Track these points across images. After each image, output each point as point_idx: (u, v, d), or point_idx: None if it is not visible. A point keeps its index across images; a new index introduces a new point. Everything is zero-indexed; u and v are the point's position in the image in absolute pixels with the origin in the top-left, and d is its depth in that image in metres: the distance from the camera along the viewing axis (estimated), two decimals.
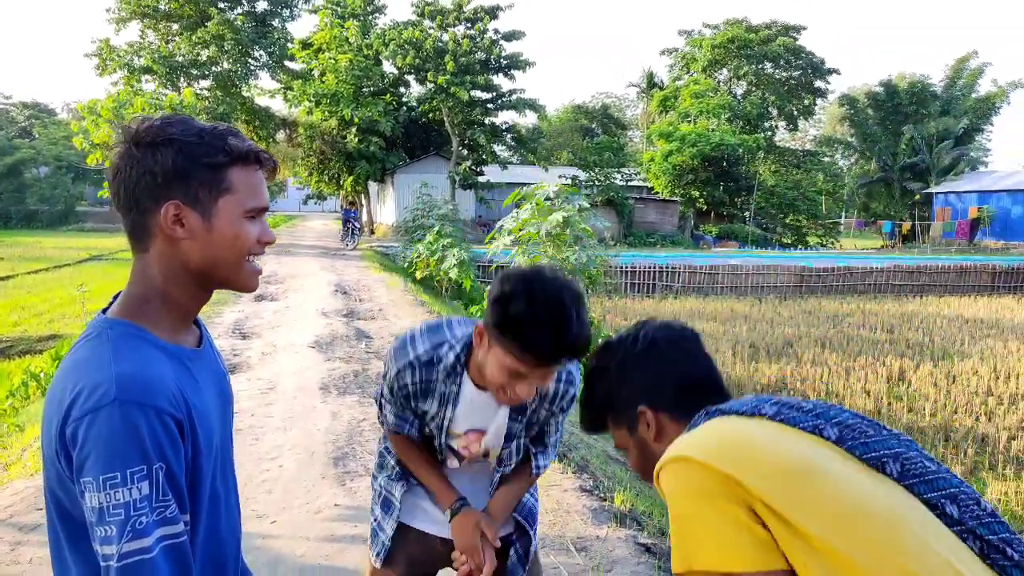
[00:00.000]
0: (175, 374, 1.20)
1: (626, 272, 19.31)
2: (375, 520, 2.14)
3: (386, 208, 35.02)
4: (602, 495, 4.59)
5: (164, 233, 1.22)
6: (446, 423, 1.91)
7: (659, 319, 1.53)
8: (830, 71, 41.95)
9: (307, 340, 9.10)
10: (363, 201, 35.09)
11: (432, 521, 2.08)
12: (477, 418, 1.91)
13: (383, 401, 2.00)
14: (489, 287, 1.73)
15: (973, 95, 41.92)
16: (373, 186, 35.81)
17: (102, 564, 1.09)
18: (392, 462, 2.13)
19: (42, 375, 8.59)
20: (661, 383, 1.41)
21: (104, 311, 1.28)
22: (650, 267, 19.93)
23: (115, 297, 1.31)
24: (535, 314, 1.54)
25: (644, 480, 1.47)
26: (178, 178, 1.20)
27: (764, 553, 1.04)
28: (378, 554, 2.09)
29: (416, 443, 2.05)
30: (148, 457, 1.10)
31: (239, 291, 1.33)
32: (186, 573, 1.14)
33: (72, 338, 10.68)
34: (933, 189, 39.16)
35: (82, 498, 1.10)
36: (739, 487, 1.06)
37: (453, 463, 2.04)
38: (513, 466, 2.04)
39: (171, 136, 1.20)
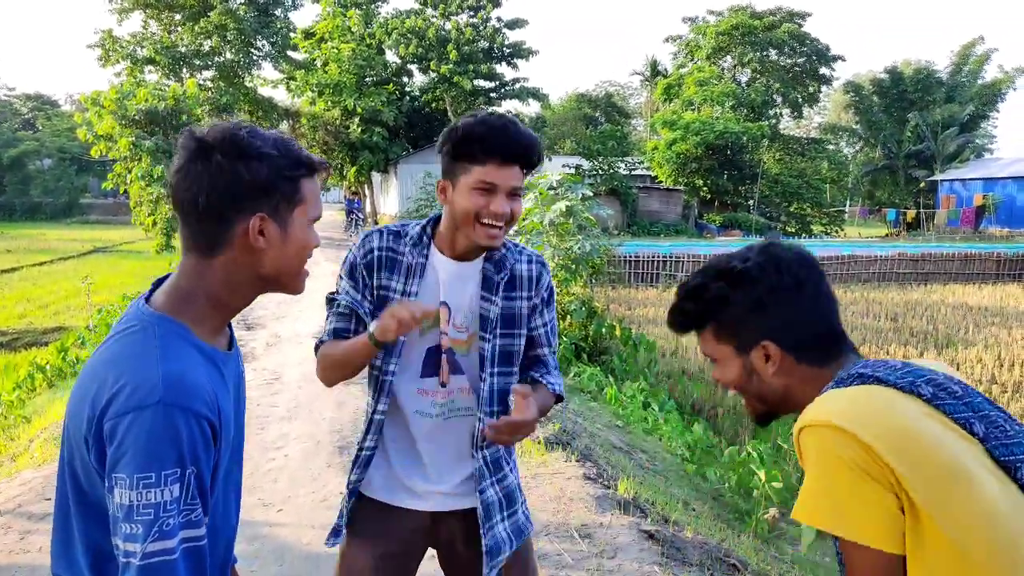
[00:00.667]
0: (210, 377, 1.22)
1: (630, 261, 19.26)
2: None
3: (389, 198, 35.02)
4: (606, 483, 4.61)
5: (245, 243, 1.24)
6: (413, 300, 1.80)
7: (793, 249, 1.41)
8: (835, 58, 41.69)
9: (311, 330, 9.13)
10: (366, 191, 35.11)
11: (408, 493, 1.90)
12: (446, 291, 1.83)
13: (336, 290, 1.90)
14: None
15: (979, 81, 41.66)
16: (376, 176, 35.80)
17: (121, 559, 1.10)
18: (360, 452, 1.95)
19: (48, 367, 8.64)
20: (800, 327, 1.36)
21: (146, 299, 1.28)
22: (654, 256, 19.88)
23: (155, 283, 1.32)
24: (483, 122, 1.71)
25: (725, 389, 1.45)
26: (267, 191, 1.24)
27: (893, 537, 1.10)
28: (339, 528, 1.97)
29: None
30: (183, 460, 1.11)
31: (292, 294, 1.37)
32: (202, 575, 1.17)
33: (77, 330, 10.73)
34: (938, 177, 39.00)
35: (110, 492, 1.11)
36: (892, 475, 1.10)
37: (423, 384, 1.85)
38: (497, 398, 1.87)
39: (260, 150, 1.22)
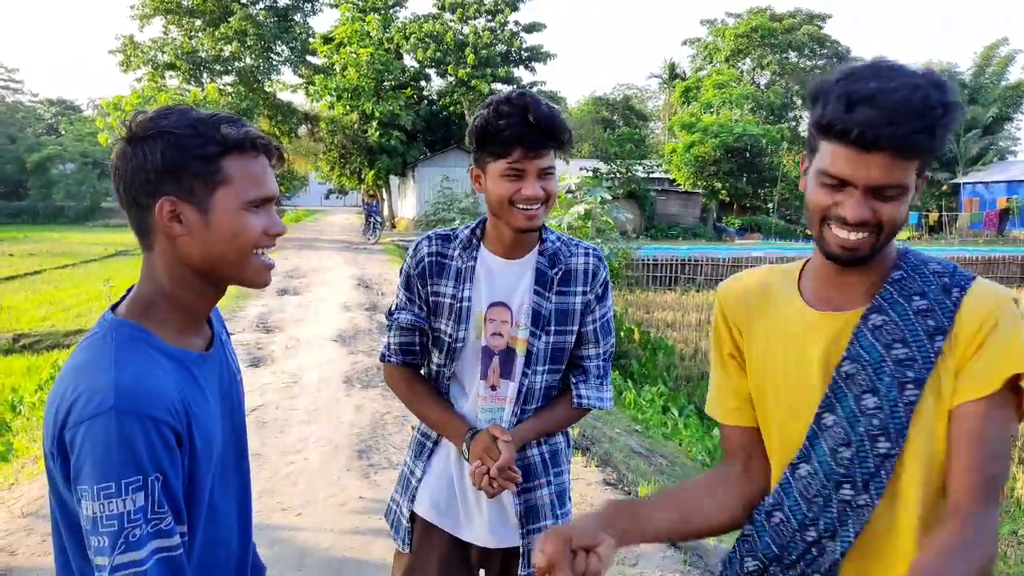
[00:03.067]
0: (177, 381, 1.16)
1: (648, 265, 19.21)
2: (403, 476, 1.99)
3: (407, 202, 35.13)
4: (626, 488, 4.57)
5: (163, 230, 1.18)
6: (465, 304, 1.79)
7: None
8: (855, 60, 41.36)
9: (330, 334, 9.15)
10: (384, 195, 35.22)
11: (460, 523, 1.88)
12: (498, 291, 1.81)
13: (395, 305, 1.89)
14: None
15: (1002, 83, 41.15)
16: (394, 180, 35.93)
17: (96, 573, 1.06)
18: (416, 435, 1.97)
19: None
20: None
21: (114, 307, 1.25)
22: (672, 260, 19.81)
23: (128, 291, 1.28)
24: (500, 109, 1.67)
25: (864, 226, 1.17)
26: (170, 172, 1.15)
27: None
28: (401, 539, 1.94)
29: (420, 376, 1.92)
30: (143, 468, 1.07)
31: (248, 287, 1.28)
32: None
33: None
34: (960, 179, 38.53)
35: (79, 505, 1.08)
36: None
37: (476, 387, 1.84)
38: (542, 394, 1.85)
39: (161, 128, 1.15)
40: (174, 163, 1.15)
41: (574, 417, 1.92)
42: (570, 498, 1.96)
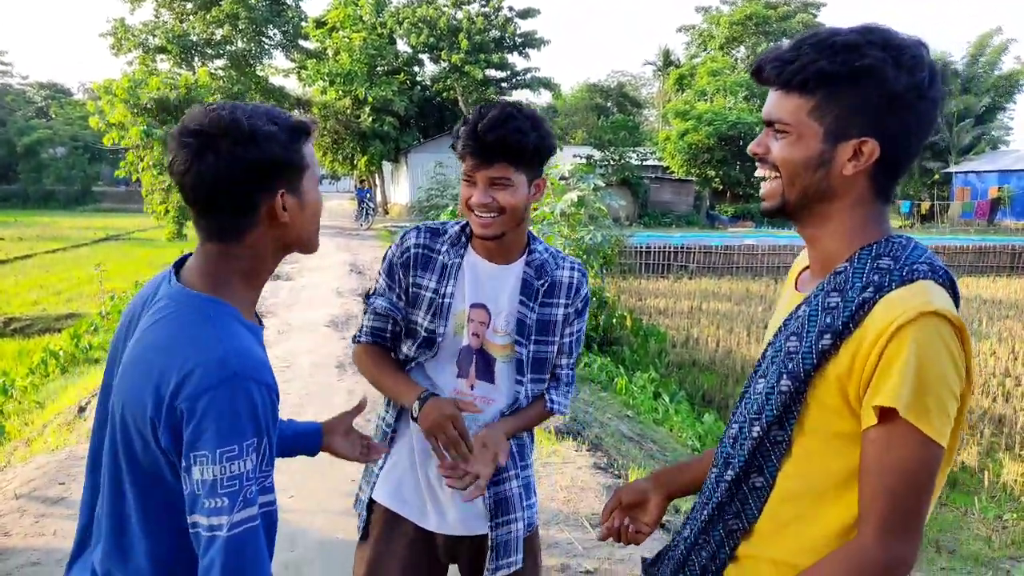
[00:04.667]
0: (261, 351, 1.28)
1: (641, 252, 19.21)
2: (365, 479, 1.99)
3: (400, 188, 35.04)
4: (617, 472, 4.62)
5: (272, 220, 1.28)
6: (446, 300, 1.81)
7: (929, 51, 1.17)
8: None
9: (323, 319, 9.16)
10: (377, 181, 35.12)
11: (426, 512, 1.87)
12: (482, 293, 1.83)
13: (374, 289, 1.91)
14: None
15: (995, 73, 41.19)
16: (387, 166, 35.81)
17: (204, 534, 1.13)
18: (379, 423, 1.97)
19: (61, 353, 8.70)
20: (906, 146, 1.19)
21: (175, 280, 1.29)
22: (665, 247, 19.83)
23: (177, 263, 1.33)
24: (466, 119, 1.76)
25: (756, 158, 1.26)
26: (281, 167, 1.26)
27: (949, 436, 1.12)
28: (361, 528, 1.94)
29: (388, 354, 1.91)
30: (260, 430, 1.17)
31: (311, 253, 1.41)
32: (272, 537, 1.24)
33: (90, 317, 10.80)
34: (953, 168, 38.64)
35: (187, 472, 1.14)
36: (967, 376, 1.13)
37: (452, 383, 1.84)
38: (526, 401, 1.88)
39: (263, 129, 1.23)
40: (282, 159, 1.26)
41: (544, 419, 1.98)
42: (535, 491, 2.00)
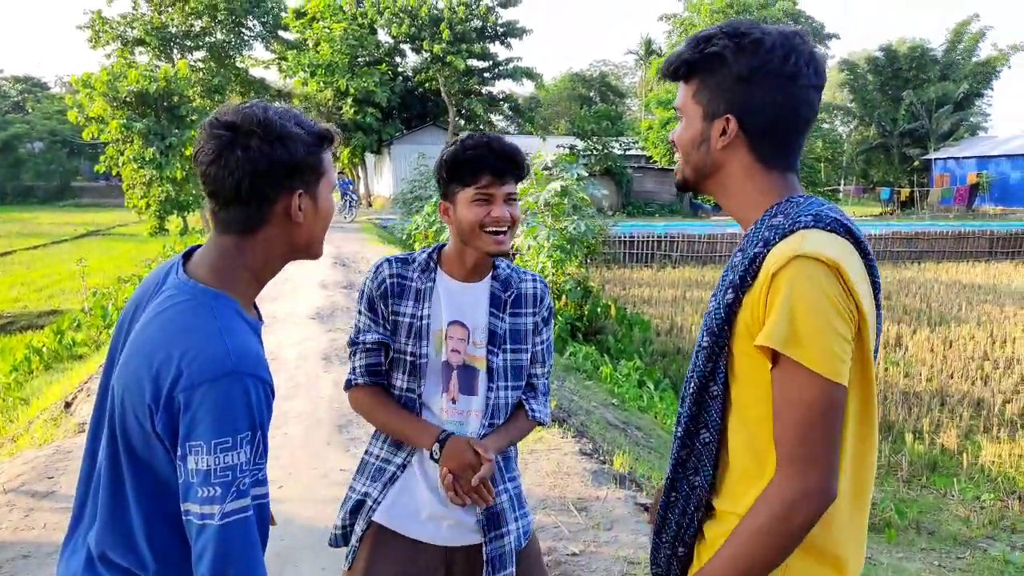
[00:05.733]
0: (258, 346, 1.32)
1: (624, 242, 19.29)
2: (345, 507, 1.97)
3: (383, 180, 34.91)
4: (602, 458, 4.68)
5: (286, 218, 1.33)
6: (424, 322, 1.87)
7: (817, 54, 1.30)
8: (830, 36, 41.52)
9: (307, 311, 9.15)
10: (360, 173, 34.96)
11: (419, 522, 1.88)
12: (456, 311, 1.90)
13: (357, 330, 1.93)
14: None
15: (973, 59, 41.52)
16: (370, 158, 35.65)
17: (196, 522, 1.17)
18: (371, 460, 1.97)
19: (44, 350, 8.65)
20: (770, 119, 1.30)
21: (183, 271, 1.33)
22: (648, 236, 19.90)
23: (184, 254, 1.38)
24: (466, 144, 1.85)
25: (676, 150, 1.41)
26: (302, 169, 1.32)
27: (847, 371, 1.18)
28: (350, 558, 1.93)
29: (388, 392, 1.93)
30: (254, 424, 1.21)
31: (315, 259, 1.46)
32: (265, 530, 1.26)
33: (72, 313, 10.73)
34: (932, 155, 39.02)
35: (183, 461, 1.18)
36: (858, 310, 1.18)
37: (439, 402, 1.89)
38: (508, 410, 1.95)
39: (290, 130, 1.30)
40: (303, 161, 1.32)
41: (529, 430, 2.03)
42: (526, 500, 2.04)
